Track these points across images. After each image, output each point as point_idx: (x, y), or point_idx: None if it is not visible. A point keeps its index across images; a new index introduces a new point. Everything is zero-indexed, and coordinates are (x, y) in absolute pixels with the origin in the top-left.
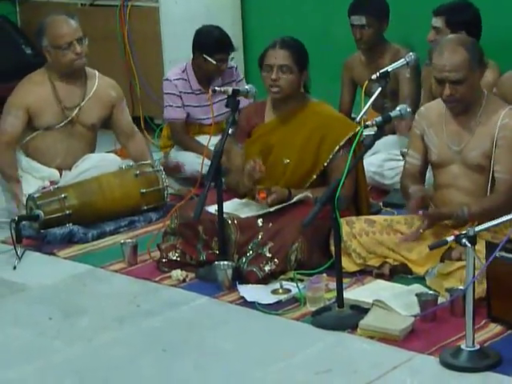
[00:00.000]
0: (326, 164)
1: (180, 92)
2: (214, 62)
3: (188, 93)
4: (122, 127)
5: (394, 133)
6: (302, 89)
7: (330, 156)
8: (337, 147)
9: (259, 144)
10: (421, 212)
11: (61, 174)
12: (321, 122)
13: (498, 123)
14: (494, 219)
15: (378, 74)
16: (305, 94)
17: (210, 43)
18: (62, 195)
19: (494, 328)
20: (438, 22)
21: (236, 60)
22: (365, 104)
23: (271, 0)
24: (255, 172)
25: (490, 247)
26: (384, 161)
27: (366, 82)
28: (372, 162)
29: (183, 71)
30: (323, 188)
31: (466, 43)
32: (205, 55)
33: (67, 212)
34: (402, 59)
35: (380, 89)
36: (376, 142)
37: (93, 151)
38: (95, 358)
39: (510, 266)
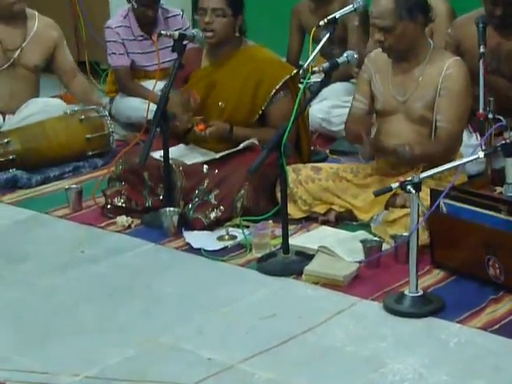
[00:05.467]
0: (263, 108)
1: (123, 39)
2: (136, 6)
3: (130, 40)
4: (64, 67)
5: (341, 80)
6: (237, 33)
7: (267, 100)
8: (273, 91)
9: (196, 90)
10: (364, 135)
11: (4, 119)
12: (256, 66)
13: (442, 73)
14: (436, 166)
15: (325, 20)
16: (241, 38)
17: None
18: (5, 140)
19: (438, 274)
20: None
21: (185, 7)
22: (313, 51)
23: None
24: (190, 102)
25: (434, 194)
26: (331, 107)
27: (314, 29)
28: (319, 109)
29: (125, 17)
30: (266, 129)
31: None
32: None
33: (10, 157)
34: (350, 6)
35: (328, 35)
36: (323, 89)
37: (37, 95)
38: (36, 303)
39: (449, 216)
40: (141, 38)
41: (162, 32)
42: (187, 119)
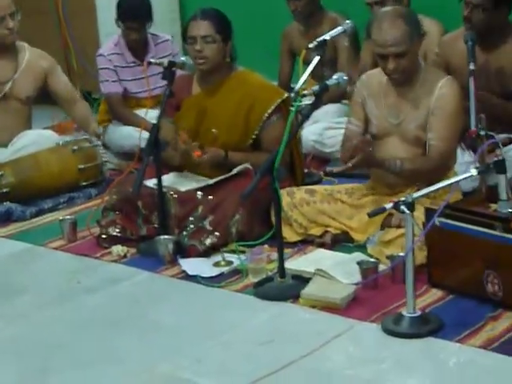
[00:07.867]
0: (256, 133)
1: (115, 66)
2: (122, 28)
3: (123, 67)
4: (62, 94)
5: (332, 101)
6: (228, 59)
7: (260, 124)
8: (265, 115)
9: (188, 117)
10: (355, 142)
11: None
12: (248, 91)
13: (435, 93)
14: (429, 185)
15: (315, 42)
16: (231, 63)
17: (121, 9)
18: None
19: (435, 293)
20: None
21: (173, 33)
22: (303, 73)
23: None
24: (179, 145)
25: (429, 213)
26: (324, 129)
27: (304, 51)
28: (312, 131)
29: (116, 45)
30: (261, 153)
31: (403, 15)
32: (119, 21)
33: (4, 190)
34: (340, 27)
35: (318, 57)
36: (315, 111)
37: (29, 127)
38: (35, 337)
39: (447, 233)
40: (133, 65)
41: (152, 60)
42: (180, 158)
